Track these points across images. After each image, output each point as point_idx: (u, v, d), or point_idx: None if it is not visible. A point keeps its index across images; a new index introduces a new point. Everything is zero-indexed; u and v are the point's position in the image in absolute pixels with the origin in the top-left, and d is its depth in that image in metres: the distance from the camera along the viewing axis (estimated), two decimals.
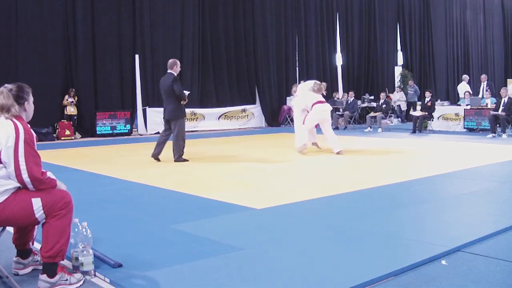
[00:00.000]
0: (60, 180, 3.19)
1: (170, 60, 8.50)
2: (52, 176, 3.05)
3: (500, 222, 4.33)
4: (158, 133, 13.97)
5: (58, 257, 3.00)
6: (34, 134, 3.02)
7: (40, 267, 3.15)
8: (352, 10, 19.54)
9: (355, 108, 16.57)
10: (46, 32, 13.23)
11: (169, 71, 8.36)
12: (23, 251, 3.30)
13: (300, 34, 18.25)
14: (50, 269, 3.00)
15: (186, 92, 8.42)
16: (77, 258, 3.18)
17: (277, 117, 17.33)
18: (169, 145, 8.50)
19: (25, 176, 2.88)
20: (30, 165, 2.89)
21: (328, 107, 9.71)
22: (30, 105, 3.15)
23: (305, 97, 9.65)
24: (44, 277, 3.00)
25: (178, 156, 8.36)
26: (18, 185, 2.96)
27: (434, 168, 7.46)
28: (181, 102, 8.31)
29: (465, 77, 18.13)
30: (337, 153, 9.12)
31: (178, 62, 8.51)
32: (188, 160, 8.39)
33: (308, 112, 9.56)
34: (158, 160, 8.45)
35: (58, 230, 2.97)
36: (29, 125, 3.03)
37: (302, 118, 9.62)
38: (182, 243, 3.87)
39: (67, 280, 3.04)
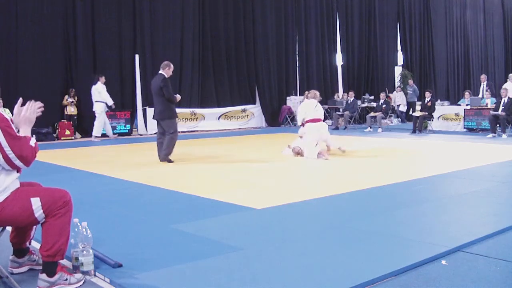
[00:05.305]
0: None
1: (165, 62, 8.44)
2: (32, 143, 2.94)
3: (500, 222, 4.33)
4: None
5: (58, 256, 2.99)
6: (8, 117, 2.91)
7: (37, 267, 3.14)
8: (352, 10, 19.54)
9: (355, 108, 16.56)
10: (46, 32, 13.23)
11: (160, 71, 8.29)
12: (19, 250, 3.29)
13: (300, 34, 18.25)
14: (50, 268, 3.00)
15: (178, 96, 8.37)
16: (77, 258, 3.18)
17: (277, 117, 17.34)
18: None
19: (17, 162, 2.85)
20: (18, 148, 2.83)
21: (322, 127, 9.07)
22: None
23: (301, 110, 9.34)
24: (43, 276, 3.00)
25: (164, 155, 8.23)
26: (18, 185, 2.95)
27: (434, 168, 7.46)
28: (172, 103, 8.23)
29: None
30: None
31: (172, 66, 8.41)
32: (173, 161, 8.24)
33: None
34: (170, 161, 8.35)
35: (57, 229, 2.96)
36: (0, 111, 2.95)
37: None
38: (182, 243, 3.87)
39: (66, 279, 3.03)
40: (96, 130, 13.07)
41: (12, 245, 3.30)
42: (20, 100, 3.04)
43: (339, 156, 8.99)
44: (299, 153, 8.90)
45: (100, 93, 12.96)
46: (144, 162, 8.51)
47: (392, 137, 12.91)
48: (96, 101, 13.02)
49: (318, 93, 9.54)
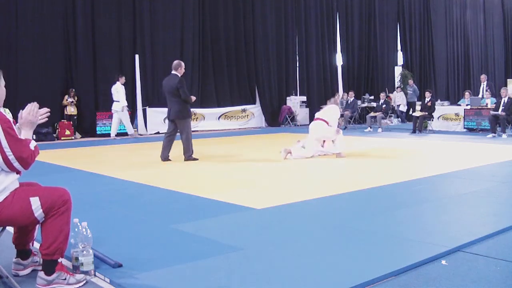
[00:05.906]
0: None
1: (175, 62, 8.54)
2: (32, 146, 2.93)
3: (500, 222, 4.33)
4: (158, 133, 14.03)
5: (56, 255, 2.99)
6: (10, 118, 2.90)
7: (39, 268, 3.14)
8: (352, 10, 19.54)
9: (355, 108, 16.57)
10: (46, 32, 13.24)
11: (173, 72, 8.38)
12: (23, 252, 3.29)
13: (300, 34, 18.26)
14: (48, 266, 3.00)
15: (193, 97, 8.55)
16: (77, 258, 3.18)
17: (277, 117, 17.34)
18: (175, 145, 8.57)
19: (16, 164, 2.84)
20: (18, 150, 2.82)
21: (314, 125, 9.09)
22: (1, 89, 3.05)
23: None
24: (41, 274, 3.01)
25: (189, 156, 8.42)
26: (17, 185, 2.95)
27: (434, 168, 7.46)
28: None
29: None
30: (337, 154, 8.99)
31: (183, 64, 8.57)
32: (197, 159, 8.47)
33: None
34: (169, 160, 8.43)
35: (56, 227, 2.96)
36: (1, 111, 2.94)
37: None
38: (182, 243, 3.87)
39: (65, 279, 3.02)
40: (128, 128, 13.52)
41: (15, 246, 3.28)
42: (28, 105, 3.03)
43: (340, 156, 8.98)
44: (289, 152, 8.84)
45: (118, 92, 13.10)
46: (144, 162, 8.52)
47: (392, 137, 12.91)
48: (115, 101, 13.14)
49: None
